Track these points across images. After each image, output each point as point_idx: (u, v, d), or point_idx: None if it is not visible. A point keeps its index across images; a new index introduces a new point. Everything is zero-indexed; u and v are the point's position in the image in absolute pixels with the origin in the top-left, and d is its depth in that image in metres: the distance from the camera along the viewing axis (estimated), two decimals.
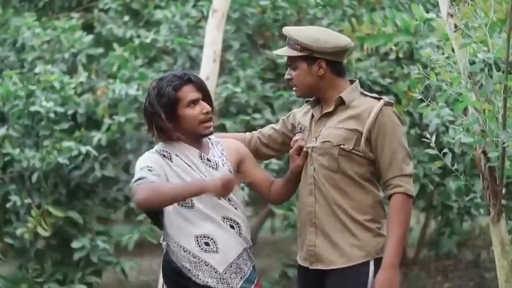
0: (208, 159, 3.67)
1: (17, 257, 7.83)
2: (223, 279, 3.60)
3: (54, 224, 7.38)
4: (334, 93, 3.65)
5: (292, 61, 3.66)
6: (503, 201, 4.22)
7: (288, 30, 3.67)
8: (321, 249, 3.62)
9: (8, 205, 7.43)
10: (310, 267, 3.66)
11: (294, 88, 3.70)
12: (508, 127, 4.01)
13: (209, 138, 3.76)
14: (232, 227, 3.65)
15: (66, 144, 7.32)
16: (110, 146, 7.58)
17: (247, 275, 3.65)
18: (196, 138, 3.70)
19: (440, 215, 8.16)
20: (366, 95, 3.66)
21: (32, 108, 7.46)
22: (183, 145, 3.68)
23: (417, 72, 4.51)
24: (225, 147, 3.76)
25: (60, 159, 7.25)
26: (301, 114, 3.82)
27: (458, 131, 4.32)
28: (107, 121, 7.54)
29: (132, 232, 7.73)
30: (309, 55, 3.60)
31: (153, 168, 3.57)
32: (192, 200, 3.60)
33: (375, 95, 3.68)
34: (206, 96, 3.69)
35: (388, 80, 7.45)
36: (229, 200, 3.66)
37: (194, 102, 3.64)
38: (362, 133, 3.56)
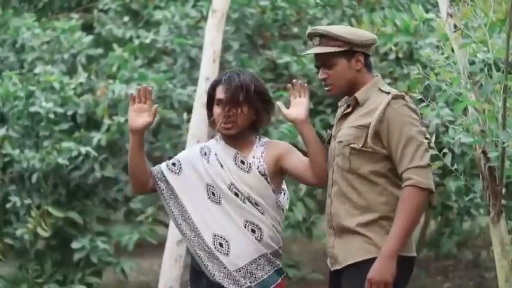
0: (242, 161, 3.70)
1: (17, 258, 7.83)
2: (231, 275, 3.63)
3: (54, 225, 7.38)
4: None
5: (328, 59, 3.61)
6: (503, 201, 4.22)
7: (324, 28, 3.63)
8: (337, 250, 3.61)
9: (8, 206, 7.43)
10: (332, 269, 3.66)
11: (329, 87, 3.64)
12: (508, 127, 4.01)
13: (259, 139, 3.77)
14: (253, 231, 3.67)
15: (65, 144, 7.32)
16: (109, 147, 7.58)
17: (260, 280, 3.67)
18: (232, 137, 3.73)
19: (440, 215, 8.15)
20: (382, 91, 3.60)
21: (32, 109, 7.46)
22: (223, 143, 3.75)
23: (417, 72, 4.51)
24: (266, 148, 3.75)
25: (60, 160, 7.26)
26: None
27: (458, 131, 4.33)
28: (106, 121, 7.54)
29: (132, 232, 7.74)
30: (349, 49, 3.58)
31: (179, 163, 3.76)
32: (220, 196, 3.68)
33: (389, 89, 3.61)
34: (232, 99, 3.67)
35: (387, 80, 7.45)
36: (256, 204, 3.68)
37: (218, 102, 3.69)
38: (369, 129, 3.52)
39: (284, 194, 3.79)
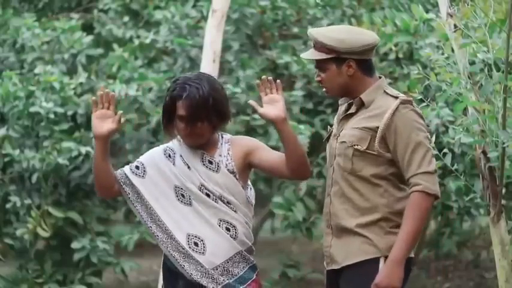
0: (209, 161, 3.69)
1: (17, 258, 7.83)
2: (209, 274, 3.62)
3: (54, 225, 7.38)
4: (363, 92, 3.61)
5: (320, 63, 3.61)
6: (503, 201, 4.23)
7: (312, 33, 3.61)
8: (334, 250, 3.61)
9: (8, 206, 7.43)
10: (327, 268, 3.66)
11: (325, 89, 3.65)
12: (508, 127, 4.02)
13: (222, 136, 3.76)
14: (228, 229, 3.66)
15: (66, 144, 7.32)
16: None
17: (237, 276, 3.67)
18: None
19: (440, 215, 8.15)
20: (388, 94, 3.58)
21: (32, 109, 7.46)
22: (187, 146, 3.72)
23: (417, 72, 4.52)
24: (232, 145, 3.74)
25: (60, 160, 7.26)
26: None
27: (458, 131, 4.33)
28: None
29: (132, 232, 7.74)
30: (337, 57, 3.56)
31: (143, 165, 3.72)
32: (190, 198, 3.66)
33: (396, 93, 3.59)
34: (195, 117, 3.61)
35: (388, 80, 7.45)
36: (228, 203, 3.67)
37: (181, 118, 3.63)
38: (376, 133, 3.51)
39: (250, 189, 3.78)
